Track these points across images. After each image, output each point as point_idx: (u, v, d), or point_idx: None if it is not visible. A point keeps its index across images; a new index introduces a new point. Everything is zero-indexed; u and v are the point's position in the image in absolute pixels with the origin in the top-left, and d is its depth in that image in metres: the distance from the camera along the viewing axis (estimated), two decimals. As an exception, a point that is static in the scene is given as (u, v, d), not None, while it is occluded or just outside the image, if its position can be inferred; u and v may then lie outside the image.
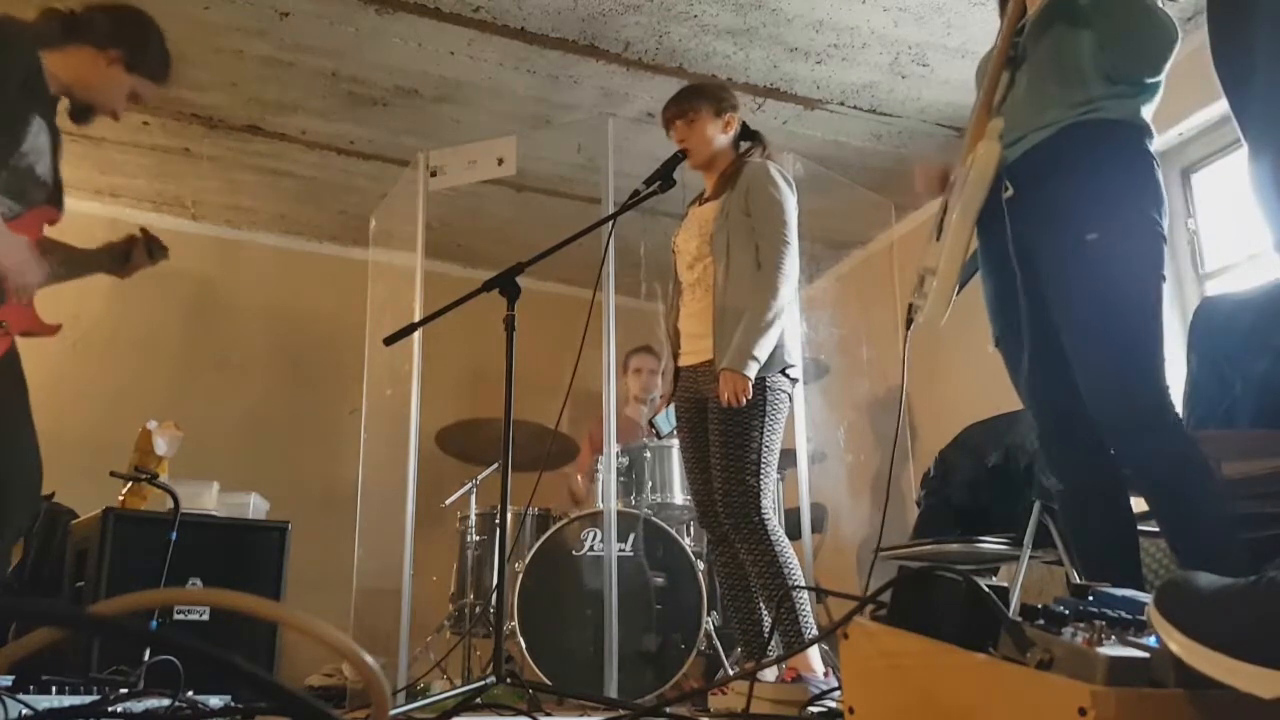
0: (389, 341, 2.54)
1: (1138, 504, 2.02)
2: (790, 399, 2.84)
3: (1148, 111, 2.05)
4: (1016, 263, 2.05)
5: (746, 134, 3.01)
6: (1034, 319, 2.05)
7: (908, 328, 2.21)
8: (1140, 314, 1.91)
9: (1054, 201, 2.00)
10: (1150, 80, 2.02)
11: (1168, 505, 1.88)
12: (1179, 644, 0.97)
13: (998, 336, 2.19)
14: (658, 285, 4.18)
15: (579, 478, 4.56)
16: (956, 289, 2.12)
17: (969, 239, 2.10)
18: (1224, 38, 1.59)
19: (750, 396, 2.67)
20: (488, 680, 2.24)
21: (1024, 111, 2.08)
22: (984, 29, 3.55)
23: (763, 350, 2.70)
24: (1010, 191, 2.06)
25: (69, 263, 2.47)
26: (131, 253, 2.61)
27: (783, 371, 2.77)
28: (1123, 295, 1.92)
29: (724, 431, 2.72)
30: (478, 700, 2.20)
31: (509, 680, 2.25)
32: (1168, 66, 1.98)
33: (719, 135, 2.92)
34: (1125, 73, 2.00)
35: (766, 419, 2.71)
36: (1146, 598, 1.07)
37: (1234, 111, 1.57)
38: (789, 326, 2.84)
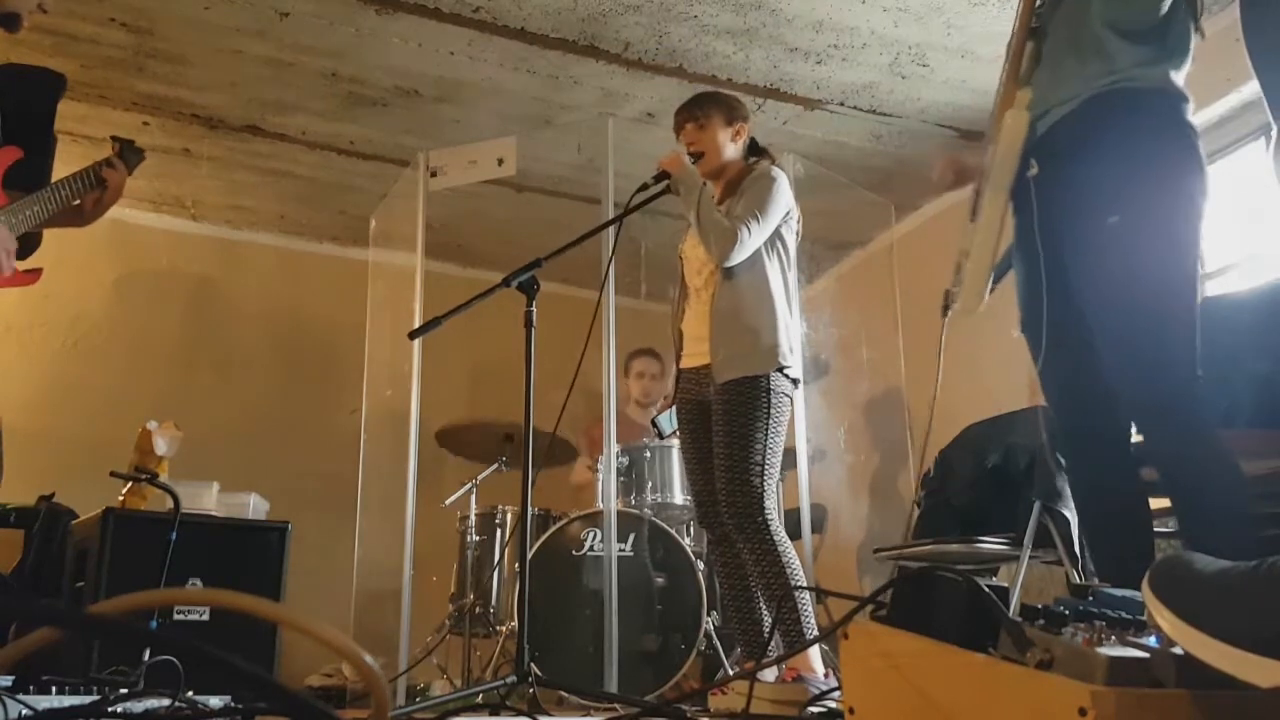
0: (414, 335, 2.65)
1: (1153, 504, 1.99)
2: (792, 401, 2.84)
3: (1179, 76, 1.92)
4: (1040, 244, 1.96)
5: (756, 149, 3.02)
6: (1055, 304, 1.96)
7: (944, 315, 2.10)
8: (1164, 301, 1.81)
9: (1078, 181, 1.91)
10: (1154, 24, 1.90)
11: (1185, 496, 1.82)
12: (1169, 623, 0.96)
13: (1023, 321, 2.08)
14: (659, 286, 4.18)
15: (583, 469, 4.58)
16: (992, 275, 2.01)
17: (1002, 217, 2.00)
18: (1258, 18, 1.58)
19: (667, 166, 2.82)
20: (509, 679, 2.25)
21: (1045, 85, 2.00)
22: (984, 29, 3.55)
23: (702, 212, 2.75)
24: (1035, 169, 1.98)
25: (42, 201, 2.42)
26: (106, 167, 2.54)
27: (781, 372, 2.77)
28: (1144, 282, 1.83)
29: (728, 433, 2.72)
30: (478, 699, 2.20)
31: (531, 679, 2.25)
32: (1166, 5, 1.88)
33: (728, 143, 2.92)
34: (1124, 21, 1.90)
35: (771, 421, 2.72)
36: (1148, 598, 1.06)
37: (1266, 93, 1.55)
38: (788, 329, 2.84)
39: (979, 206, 2.03)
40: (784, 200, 2.86)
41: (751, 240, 2.76)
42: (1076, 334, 1.93)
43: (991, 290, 2.05)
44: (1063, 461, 2.12)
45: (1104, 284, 1.87)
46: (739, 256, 2.76)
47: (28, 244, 2.45)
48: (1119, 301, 1.85)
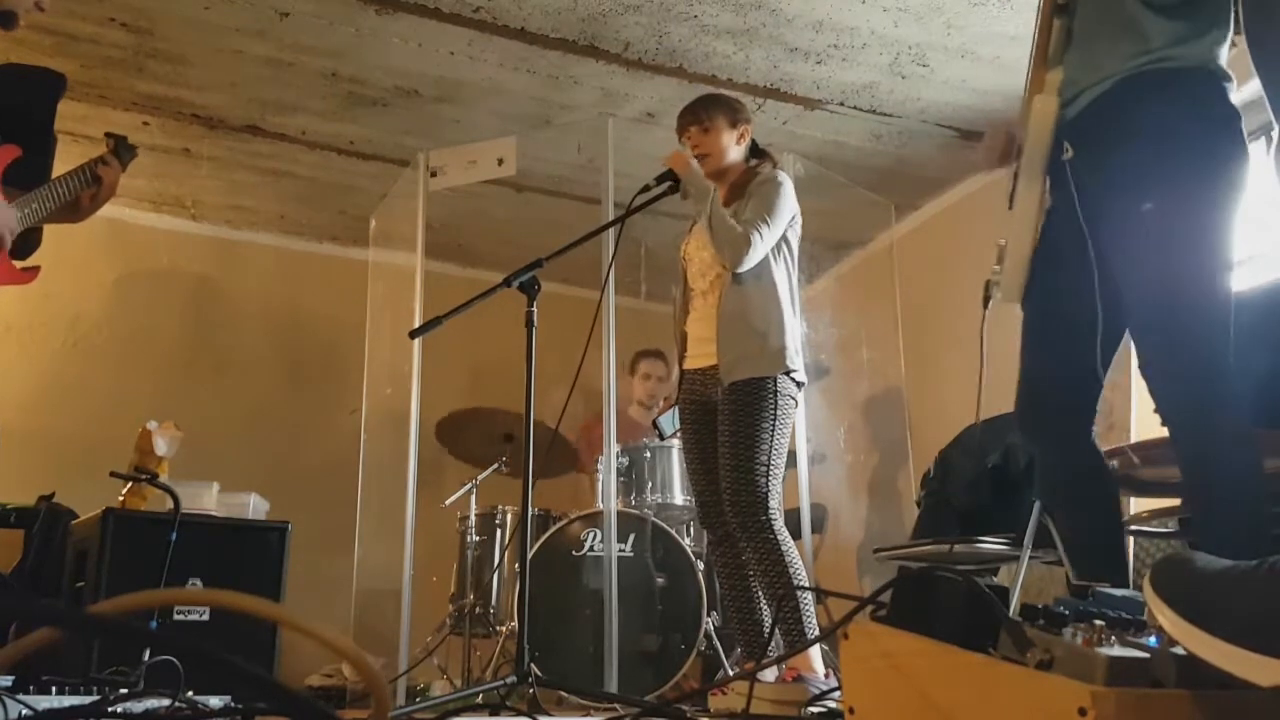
0: (414, 335, 2.67)
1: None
2: (796, 404, 2.86)
3: (1220, 52, 1.84)
4: (1086, 228, 1.89)
5: (756, 151, 3.03)
6: (1105, 288, 1.88)
7: (985, 306, 2.05)
8: (1194, 293, 1.76)
9: (1111, 167, 1.86)
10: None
11: (1200, 494, 1.78)
12: (1170, 622, 0.96)
13: (1024, 294, 2.03)
14: (659, 286, 4.18)
15: (585, 478, 4.59)
16: (1030, 263, 1.97)
17: (1038, 205, 1.96)
18: (1259, 17, 1.57)
19: (675, 167, 2.78)
20: (509, 679, 2.25)
21: (1077, 67, 1.92)
22: (984, 29, 3.55)
23: (714, 217, 2.74)
24: (1070, 153, 1.92)
25: (41, 198, 2.42)
26: (101, 165, 2.56)
27: (788, 375, 2.79)
28: (1176, 273, 1.77)
29: (734, 433, 2.74)
30: (478, 699, 2.20)
31: (531, 679, 2.25)
32: None
33: (733, 146, 2.93)
34: None
35: (776, 422, 2.74)
36: (1147, 598, 1.06)
37: (1267, 92, 1.54)
38: (794, 332, 2.84)
39: (1015, 194, 1.99)
40: (790, 204, 2.88)
41: (763, 245, 2.78)
42: (1114, 320, 1.89)
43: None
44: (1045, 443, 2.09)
45: (1137, 273, 1.83)
46: (751, 261, 2.77)
47: (28, 242, 2.46)
48: (1150, 292, 1.81)
